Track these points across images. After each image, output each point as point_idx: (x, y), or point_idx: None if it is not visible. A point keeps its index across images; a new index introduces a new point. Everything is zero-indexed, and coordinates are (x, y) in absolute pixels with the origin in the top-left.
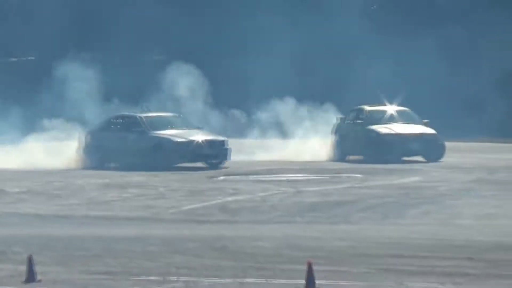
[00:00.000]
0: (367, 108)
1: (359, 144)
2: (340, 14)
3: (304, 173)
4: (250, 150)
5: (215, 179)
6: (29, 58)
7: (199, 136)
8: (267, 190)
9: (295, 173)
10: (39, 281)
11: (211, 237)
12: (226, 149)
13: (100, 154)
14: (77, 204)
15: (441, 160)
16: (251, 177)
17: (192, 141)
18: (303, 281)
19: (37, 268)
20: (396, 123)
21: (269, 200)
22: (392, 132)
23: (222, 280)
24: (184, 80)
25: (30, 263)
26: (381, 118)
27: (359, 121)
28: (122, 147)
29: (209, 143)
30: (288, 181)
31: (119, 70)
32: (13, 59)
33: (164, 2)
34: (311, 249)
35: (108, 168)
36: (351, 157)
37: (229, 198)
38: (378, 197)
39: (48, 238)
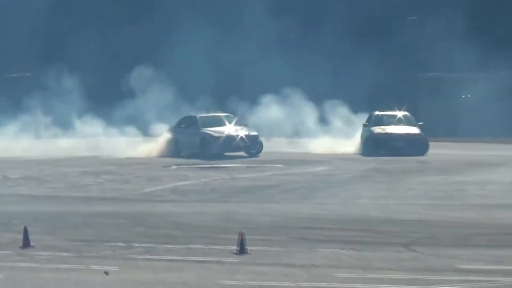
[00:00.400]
0: (377, 113)
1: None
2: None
3: (239, 163)
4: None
5: (168, 168)
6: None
7: (239, 132)
8: (209, 176)
9: (231, 163)
10: (33, 246)
11: (166, 213)
12: (259, 141)
13: (175, 145)
14: (62, 187)
15: (426, 154)
16: (196, 166)
17: (229, 135)
18: (237, 247)
19: (31, 237)
20: (395, 125)
21: (210, 184)
22: (383, 132)
23: (174, 246)
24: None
25: (25, 232)
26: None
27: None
28: (186, 140)
29: (246, 137)
30: (225, 168)
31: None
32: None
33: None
34: (242, 222)
35: (180, 157)
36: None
37: (180, 183)
38: (295, 182)
39: (39, 213)
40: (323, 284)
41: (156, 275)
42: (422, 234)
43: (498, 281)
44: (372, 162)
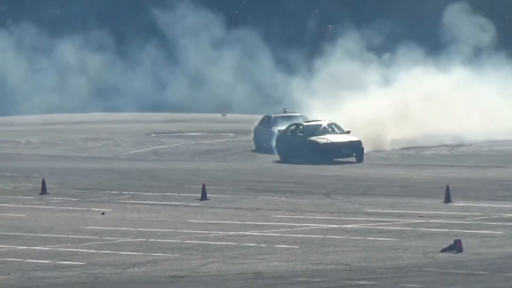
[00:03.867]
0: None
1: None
2: None
3: (201, 132)
4: None
5: (150, 135)
6: None
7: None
8: (179, 142)
9: (196, 132)
10: (48, 193)
11: (147, 169)
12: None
13: (257, 140)
14: (70, 149)
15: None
16: (171, 134)
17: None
18: (199, 195)
19: (47, 186)
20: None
21: (180, 148)
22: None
23: (153, 194)
24: None
25: (43, 183)
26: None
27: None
28: (263, 136)
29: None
30: (191, 137)
31: None
32: None
33: None
34: (204, 176)
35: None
36: None
37: (158, 147)
38: (242, 147)
39: (54, 168)
40: (264, 223)
41: (140, 214)
42: (338, 186)
43: (394, 221)
44: None
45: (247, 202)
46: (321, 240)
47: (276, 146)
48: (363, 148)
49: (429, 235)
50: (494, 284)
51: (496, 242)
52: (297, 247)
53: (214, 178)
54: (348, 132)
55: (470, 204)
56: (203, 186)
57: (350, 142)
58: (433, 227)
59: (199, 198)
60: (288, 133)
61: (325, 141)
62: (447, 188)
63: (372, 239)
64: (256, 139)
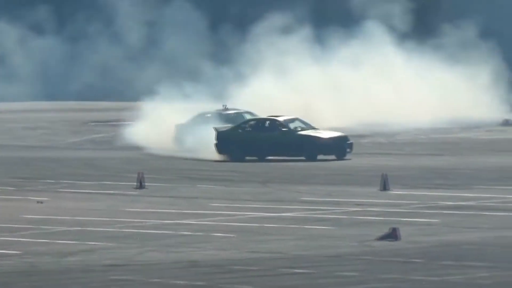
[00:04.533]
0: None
1: None
2: None
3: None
4: None
5: (86, 124)
6: None
7: None
8: (117, 131)
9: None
10: None
11: (85, 158)
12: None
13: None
14: (7, 138)
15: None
16: (109, 123)
17: None
18: (137, 183)
19: None
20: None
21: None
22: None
23: (90, 182)
24: None
25: None
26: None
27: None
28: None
29: None
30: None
31: None
32: None
33: None
34: (142, 165)
35: None
36: None
37: (95, 135)
38: None
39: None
40: (200, 211)
41: (77, 203)
42: (274, 175)
43: (331, 209)
44: None
45: (184, 191)
46: (257, 229)
47: (223, 144)
48: (352, 143)
49: (366, 223)
50: (430, 272)
51: (433, 230)
52: (233, 235)
53: (152, 167)
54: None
55: (407, 192)
56: (140, 174)
57: (342, 137)
58: (370, 215)
59: (136, 186)
60: (249, 129)
61: (321, 135)
62: (384, 176)
63: (308, 228)
64: (181, 137)
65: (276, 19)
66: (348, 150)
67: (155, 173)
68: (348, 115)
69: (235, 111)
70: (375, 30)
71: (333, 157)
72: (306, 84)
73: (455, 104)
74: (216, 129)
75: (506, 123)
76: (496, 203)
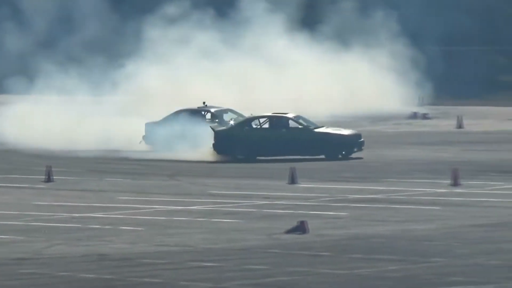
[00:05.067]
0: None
1: None
2: None
3: None
4: None
5: None
6: None
7: None
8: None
9: None
10: None
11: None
12: None
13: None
14: None
15: None
16: None
17: None
18: (45, 177)
19: None
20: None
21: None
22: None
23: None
24: None
25: None
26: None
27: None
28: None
29: None
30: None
31: None
32: None
33: None
34: (51, 158)
35: None
36: None
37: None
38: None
39: None
40: (109, 205)
41: None
42: (182, 168)
43: (239, 202)
44: None
45: (92, 184)
46: (165, 222)
47: (224, 143)
48: (363, 141)
49: (274, 217)
50: (338, 265)
51: (341, 223)
52: (141, 229)
53: (61, 159)
54: None
55: (315, 186)
56: (48, 168)
57: (357, 135)
58: (278, 209)
59: (44, 180)
60: (258, 127)
61: (340, 132)
62: (292, 169)
63: (217, 221)
64: (153, 137)
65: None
66: (362, 147)
67: (63, 165)
68: (244, 109)
69: (216, 109)
70: (268, 20)
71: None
72: (198, 77)
73: (362, 96)
74: (213, 128)
75: (414, 116)
76: (404, 196)
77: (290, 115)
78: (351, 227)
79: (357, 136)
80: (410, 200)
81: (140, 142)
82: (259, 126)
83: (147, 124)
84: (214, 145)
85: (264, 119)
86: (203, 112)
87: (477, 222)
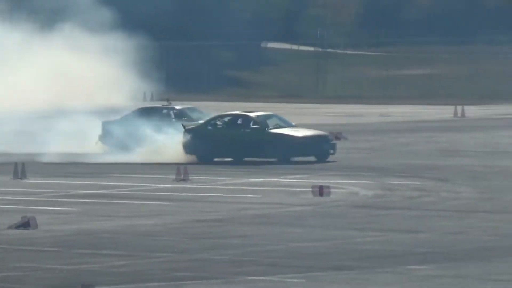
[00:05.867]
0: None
1: None
2: None
3: None
4: None
5: None
6: None
7: None
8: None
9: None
10: None
11: None
12: None
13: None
14: None
15: None
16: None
17: None
18: None
19: None
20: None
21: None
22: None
23: None
24: None
25: None
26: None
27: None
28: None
29: None
30: None
31: None
32: None
33: None
34: None
35: None
36: None
37: None
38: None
39: None
40: None
41: None
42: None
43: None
44: None
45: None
46: None
47: (191, 143)
48: (335, 143)
49: None
50: (66, 260)
51: (70, 218)
52: None
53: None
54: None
55: (43, 181)
56: None
57: (323, 136)
58: (2, 204)
59: None
60: (220, 126)
61: (297, 134)
62: (19, 164)
63: None
64: (109, 135)
65: None
66: (331, 151)
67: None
68: None
69: (181, 107)
70: None
71: (312, 158)
72: None
73: (84, 91)
74: (184, 125)
75: None
76: (132, 192)
77: (253, 114)
78: (79, 222)
79: (318, 138)
80: (138, 195)
81: (97, 143)
82: (221, 126)
83: (104, 123)
84: (182, 144)
85: (228, 117)
86: (164, 111)
87: (203, 217)
